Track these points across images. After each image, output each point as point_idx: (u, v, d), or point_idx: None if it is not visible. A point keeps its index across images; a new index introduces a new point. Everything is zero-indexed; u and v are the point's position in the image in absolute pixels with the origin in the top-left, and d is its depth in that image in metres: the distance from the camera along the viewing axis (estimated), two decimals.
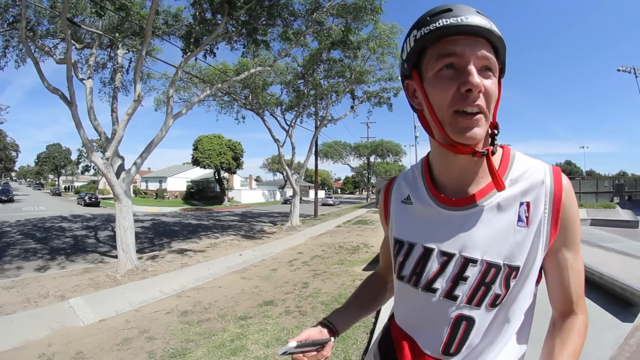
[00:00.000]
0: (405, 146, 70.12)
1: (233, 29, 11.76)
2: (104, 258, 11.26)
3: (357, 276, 8.54)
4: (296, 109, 22.37)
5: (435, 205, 1.05)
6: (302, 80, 20.89)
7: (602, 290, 5.82)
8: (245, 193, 62.02)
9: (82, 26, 11.42)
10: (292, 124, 22.64)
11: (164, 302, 6.85)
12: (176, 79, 11.16)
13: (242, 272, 9.38)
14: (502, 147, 1.06)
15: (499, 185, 0.94)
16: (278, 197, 69.87)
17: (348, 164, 71.22)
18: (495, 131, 1.01)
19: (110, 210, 32.46)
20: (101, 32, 11.57)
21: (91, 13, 10.93)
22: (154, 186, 62.58)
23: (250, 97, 20.99)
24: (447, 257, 1.00)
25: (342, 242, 14.34)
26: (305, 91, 20.99)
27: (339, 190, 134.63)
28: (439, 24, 0.89)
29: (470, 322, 0.97)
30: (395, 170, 72.42)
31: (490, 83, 0.92)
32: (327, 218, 27.19)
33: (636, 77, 39.60)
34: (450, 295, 0.98)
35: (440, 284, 1.00)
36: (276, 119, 23.01)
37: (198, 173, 61.79)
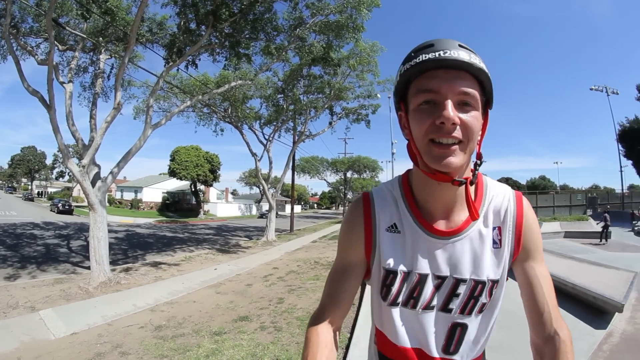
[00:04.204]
0: (382, 162, 70.30)
1: (216, 40, 11.76)
2: (76, 269, 11.00)
3: None
4: (275, 123, 22.42)
5: (425, 234, 1.13)
6: (282, 95, 21.01)
7: (575, 300, 6.02)
8: (221, 206, 61.72)
9: (67, 28, 11.31)
10: (270, 139, 22.63)
11: (138, 316, 6.71)
12: (157, 88, 11.10)
13: (217, 286, 9.28)
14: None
15: (473, 215, 1.07)
16: (254, 211, 69.63)
17: (325, 179, 71.28)
18: (478, 161, 1.10)
19: (84, 218, 31.94)
20: (85, 36, 11.45)
21: (77, 15, 10.79)
22: (129, 196, 61.81)
23: (229, 109, 21.00)
24: (441, 279, 1.11)
25: (318, 257, 14.31)
26: (285, 106, 21.10)
27: (315, 205, 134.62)
28: (419, 59, 0.98)
29: (464, 327, 1.12)
30: (371, 186, 72.48)
31: (470, 117, 0.98)
32: (302, 233, 27.20)
33: (608, 95, 41.56)
34: (445, 309, 1.11)
35: (436, 301, 1.12)
36: (254, 132, 23.05)
37: (174, 184, 61.14)
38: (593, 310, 5.72)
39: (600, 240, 18.92)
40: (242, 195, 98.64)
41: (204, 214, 51.92)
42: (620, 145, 40.50)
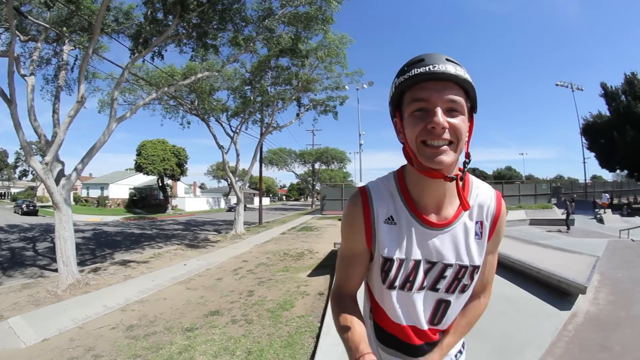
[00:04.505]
0: (350, 153, 70.82)
1: (184, 31, 11.55)
2: (43, 272, 10.66)
3: (302, 282, 8.65)
4: (242, 115, 22.23)
5: (419, 226, 1.31)
6: (249, 87, 20.82)
7: (540, 283, 6.31)
8: (189, 201, 60.96)
9: (29, 17, 10.78)
10: (237, 131, 22.44)
11: (109, 317, 6.58)
12: (122, 80, 10.79)
13: (187, 282, 9.19)
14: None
15: (464, 206, 1.26)
16: (222, 204, 69.06)
17: (293, 171, 71.23)
18: (467, 160, 1.27)
19: (50, 219, 31.13)
20: (48, 25, 10.99)
21: (39, 3, 10.25)
22: (95, 193, 59.98)
23: (196, 102, 20.71)
24: (431, 264, 1.32)
25: (287, 249, 14.39)
26: (252, 98, 20.95)
27: (284, 197, 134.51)
28: (412, 73, 1.14)
29: (447, 303, 1.37)
30: (340, 177, 72.91)
31: (458, 121, 1.14)
32: (271, 225, 27.05)
33: (573, 91, 43.69)
34: (433, 288, 1.34)
35: (427, 282, 1.34)
36: (221, 125, 22.82)
37: (141, 180, 59.96)
38: (558, 292, 5.95)
39: (567, 228, 19.58)
40: (210, 189, 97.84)
41: (172, 209, 51.23)
42: (583, 138, 42.43)
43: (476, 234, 1.34)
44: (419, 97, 1.14)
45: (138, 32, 10.80)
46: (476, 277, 1.36)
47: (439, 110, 1.11)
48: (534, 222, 23.05)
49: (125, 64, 11.12)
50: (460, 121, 1.14)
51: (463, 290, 1.35)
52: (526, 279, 6.59)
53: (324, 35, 15.99)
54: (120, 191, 58.56)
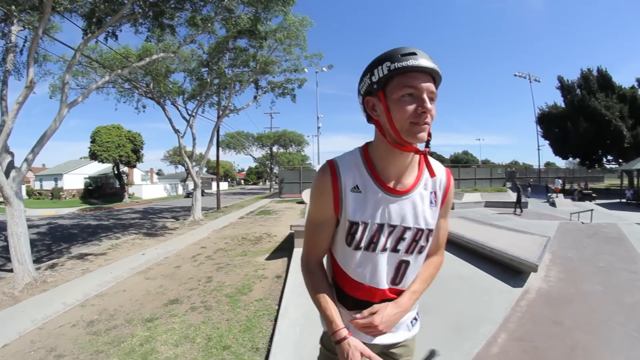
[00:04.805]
0: (308, 136, 70.84)
1: (139, 10, 11.00)
2: None
3: (260, 266, 8.74)
4: (198, 98, 21.78)
5: (382, 193, 1.53)
6: (207, 69, 20.37)
7: (493, 262, 6.62)
8: (146, 188, 59.45)
9: None
10: (194, 114, 22.04)
11: (68, 315, 6.37)
12: (74, 63, 10.23)
13: (145, 272, 9.04)
14: None
15: (432, 173, 1.54)
16: (180, 190, 67.92)
17: (251, 155, 70.69)
18: (429, 138, 1.44)
19: (1, 216, 29.79)
20: None
21: None
22: (49, 185, 56.51)
23: (151, 84, 20.13)
24: (393, 227, 1.54)
25: (245, 233, 14.42)
26: (209, 80, 20.59)
27: (242, 181, 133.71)
28: (408, 63, 1.34)
29: (407, 263, 1.60)
30: (298, 160, 72.92)
31: (434, 108, 1.38)
32: (230, 210, 26.83)
33: (530, 82, 46.25)
34: (395, 249, 1.57)
35: (389, 244, 1.55)
36: (177, 108, 22.29)
37: (96, 168, 57.55)
38: (511, 270, 6.23)
39: (515, 210, 20.34)
40: (168, 175, 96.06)
41: (128, 197, 49.94)
42: (539, 127, 44.86)
43: (431, 202, 1.60)
44: (410, 84, 1.35)
45: (92, 10, 10.23)
46: (431, 239, 1.62)
47: (427, 98, 1.35)
48: (489, 205, 23.86)
49: (78, 45, 10.64)
50: (434, 108, 1.39)
51: (420, 252, 1.61)
52: (480, 258, 6.83)
53: (284, 17, 15.83)
54: (75, 181, 55.99)
